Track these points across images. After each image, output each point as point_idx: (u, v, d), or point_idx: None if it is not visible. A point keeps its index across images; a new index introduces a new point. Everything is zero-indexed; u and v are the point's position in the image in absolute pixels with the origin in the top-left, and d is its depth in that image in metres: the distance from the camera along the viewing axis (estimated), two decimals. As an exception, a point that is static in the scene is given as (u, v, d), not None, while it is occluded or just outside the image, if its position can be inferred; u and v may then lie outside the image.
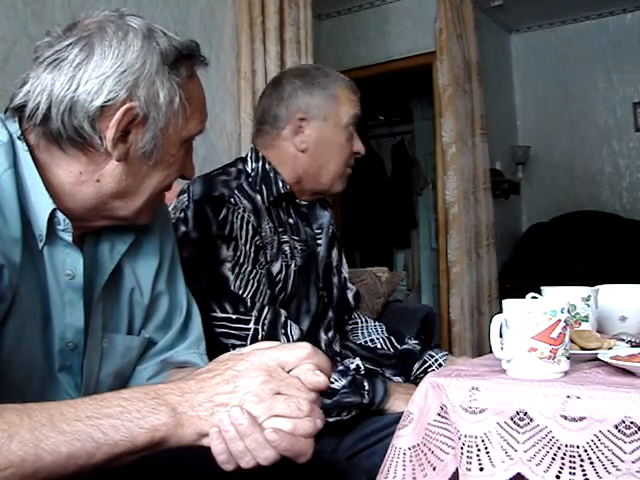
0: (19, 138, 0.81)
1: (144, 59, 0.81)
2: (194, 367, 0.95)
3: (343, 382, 1.25)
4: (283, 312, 1.28)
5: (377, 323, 1.61)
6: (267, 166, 1.40)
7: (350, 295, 1.59)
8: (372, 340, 1.56)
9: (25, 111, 0.80)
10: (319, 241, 1.48)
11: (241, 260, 1.26)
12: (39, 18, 1.99)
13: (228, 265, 1.25)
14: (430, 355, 1.50)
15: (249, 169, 1.40)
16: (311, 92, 1.39)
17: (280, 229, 1.37)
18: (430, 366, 1.48)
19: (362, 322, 1.60)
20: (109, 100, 0.79)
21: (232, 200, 1.30)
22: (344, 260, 1.61)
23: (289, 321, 1.27)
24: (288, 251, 1.37)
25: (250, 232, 1.29)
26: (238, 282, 1.25)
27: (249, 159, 1.43)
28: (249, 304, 1.24)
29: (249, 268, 1.27)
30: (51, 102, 0.79)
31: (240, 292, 1.24)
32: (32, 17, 1.98)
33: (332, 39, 4.32)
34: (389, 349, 1.54)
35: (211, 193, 1.30)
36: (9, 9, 1.93)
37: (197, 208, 1.28)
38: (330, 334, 1.46)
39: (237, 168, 1.41)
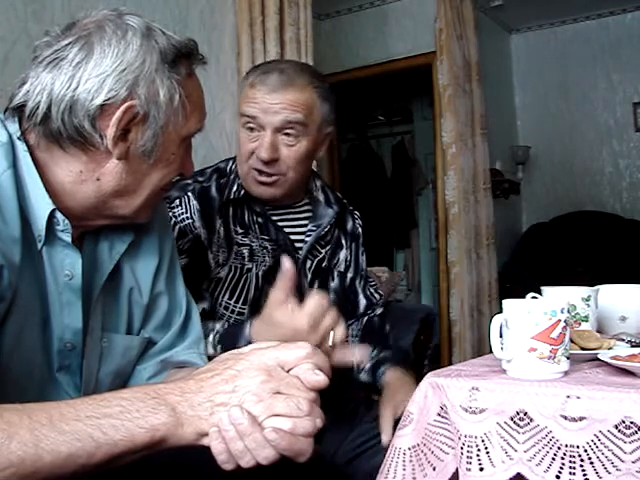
0: (19, 138, 0.81)
1: (144, 57, 0.81)
2: (194, 367, 0.95)
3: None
4: None
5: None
6: (233, 167, 1.40)
7: (362, 304, 1.52)
8: None
9: (25, 111, 0.80)
10: (307, 238, 1.41)
11: None
12: (39, 18, 1.99)
13: None
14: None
15: (229, 168, 1.40)
16: (240, 87, 1.39)
17: (241, 231, 1.35)
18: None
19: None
20: (109, 99, 0.79)
21: (177, 201, 1.31)
22: (360, 267, 1.52)
23: None
24: (246, 253, 1.34)
25: (175, 234, 1.26)
26: None
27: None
28: None
29: None
30: (51, 101, 0.79)
31: None
32: (32, 17, 1.98)
33: (332, 39, 4.32)
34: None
35: None
36: (9, 9, 1.93)
37: None
38: None
39: (217, 167, 1.41)
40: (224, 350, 1.01)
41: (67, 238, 0.84)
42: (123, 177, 0.84)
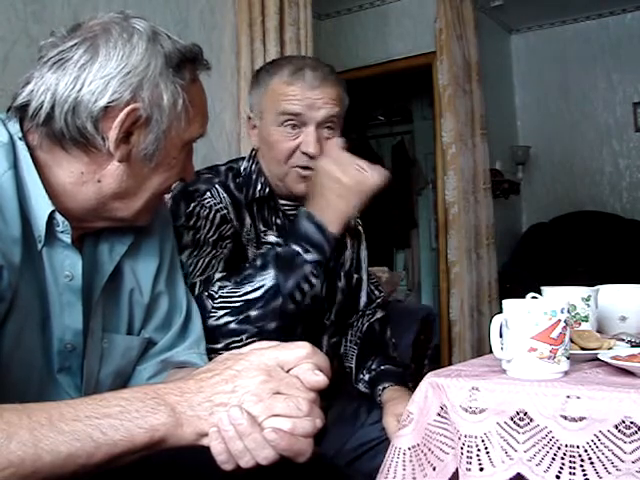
0: (20, 139, 0.81)
1: (148, 61, 0.81)
2: (194, 367, 0.95)
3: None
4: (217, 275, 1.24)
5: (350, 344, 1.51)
6: (254, 166, 1.38)
7: (362, 301, 1.52)
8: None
9: (28, 110, 0.80)
10: None
11: (200, 243, 1.25)
12: (39, 18, 1.99)
13: (187, 252, 1.22)
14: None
15: (242, 168, 1.39)
16: (253, 89, 1.38)
17: (263, 229, 1.35)
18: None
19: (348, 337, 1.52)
20: (113, 101, 0.79)
21: (208, 193, 1.29)
22: (363, 265, 1.52)
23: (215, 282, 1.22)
24: None
25: (217, 220, 1.27)
26: (200, 264, 1.22)
27: (246, 157, 1.42)
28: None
29: (208, 249, 1.25)
30: (55, 102, 0.79)
31: (198, 274, 1.22)
32: (32, 17, 1.98)
33: (332, 39, 4.32)
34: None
35: (187, 188, 1.29)
36: (9, 9, 1.93)
37: (172, 203, 1.28)
38: (334, 340, 1.43)
39: (229, 166, 1.40)
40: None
41: (67, 239, 0.84)
42: (124, 179, 0.84)
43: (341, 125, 1.37)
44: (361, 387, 1.44)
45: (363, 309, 1.53)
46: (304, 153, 1.30)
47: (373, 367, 1.44)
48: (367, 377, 1.44)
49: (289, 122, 1.30)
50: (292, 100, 1.29)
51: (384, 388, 1.37)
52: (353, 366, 1.46)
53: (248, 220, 1.33)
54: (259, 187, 1.35)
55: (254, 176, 1.37)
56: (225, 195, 1.31)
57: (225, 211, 1.29)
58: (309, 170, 1.31)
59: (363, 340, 1.49)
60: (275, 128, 1.31)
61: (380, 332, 1.52)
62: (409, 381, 1.47)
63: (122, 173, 0.84)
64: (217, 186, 1.31)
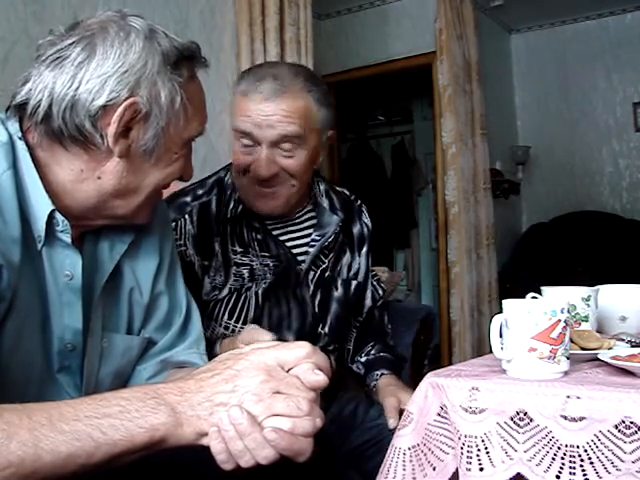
0: (20, 138, 0.81)
1: (146, 59, 0.81)
2: (194, 367, 0.95)
3: None
4: None
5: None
6: (230, 180, 1.34)
7: (367, 306, 1.51)
8: None
9: (27, 109, 0.80)
10: (310, 249, 1.35)
11: None
12: (39, 18, 1.99)
13: None
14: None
15: (226, 179, 1.34)
16: (233, 92, 1.32)
17: (240, 250, 1.29)
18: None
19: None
20: (110, 100, 0.79)
21: (172, 225, 1.24)
22: (367, 266, 1.48)
23: None
24: (247, 274, 1.28)
25: None
26: None
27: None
28: None
29: None
30: (52, 100, 0.79)
31: None
32: (32, 17, 1.98)
33: (332, 39, 4.32)
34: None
35: None
36: (9, 9, 1.93)
37: None
38: (329, 348, 1.37)
39: (217, 178, 1.35)
40: None
41: (67, 239, 0.84)
42: (124, 176, 0.84)
43: (310, 143, 1.26)
44: (354, 367, 1.45)
45: (367, 311, 1.53)
46: (256, 175, 1.24)
47: (372, 352, 1.45)
48: (364, 359, 1.44)
49: (242, 139, 1.24)
50: (242, 117, 1.22)
51: (382, 374, 1.38)
52: (351, 348, 1.47)
53: (217, 246, 1.28)
54: (231, 205, 1.30)
55: (229, 191, 1.32)
56: (190, 227, 1.27)
57: (182, 248, 1.26)
58: (268, 188, 1.25)
59: (362, 324, 1.50)
60: (234, 140, 1.27)
61: (379, 318, 1.53)
62: (406, 377, 1.49)
63: (122, 169, 0.84)
64: (186, 216, 1.28)
